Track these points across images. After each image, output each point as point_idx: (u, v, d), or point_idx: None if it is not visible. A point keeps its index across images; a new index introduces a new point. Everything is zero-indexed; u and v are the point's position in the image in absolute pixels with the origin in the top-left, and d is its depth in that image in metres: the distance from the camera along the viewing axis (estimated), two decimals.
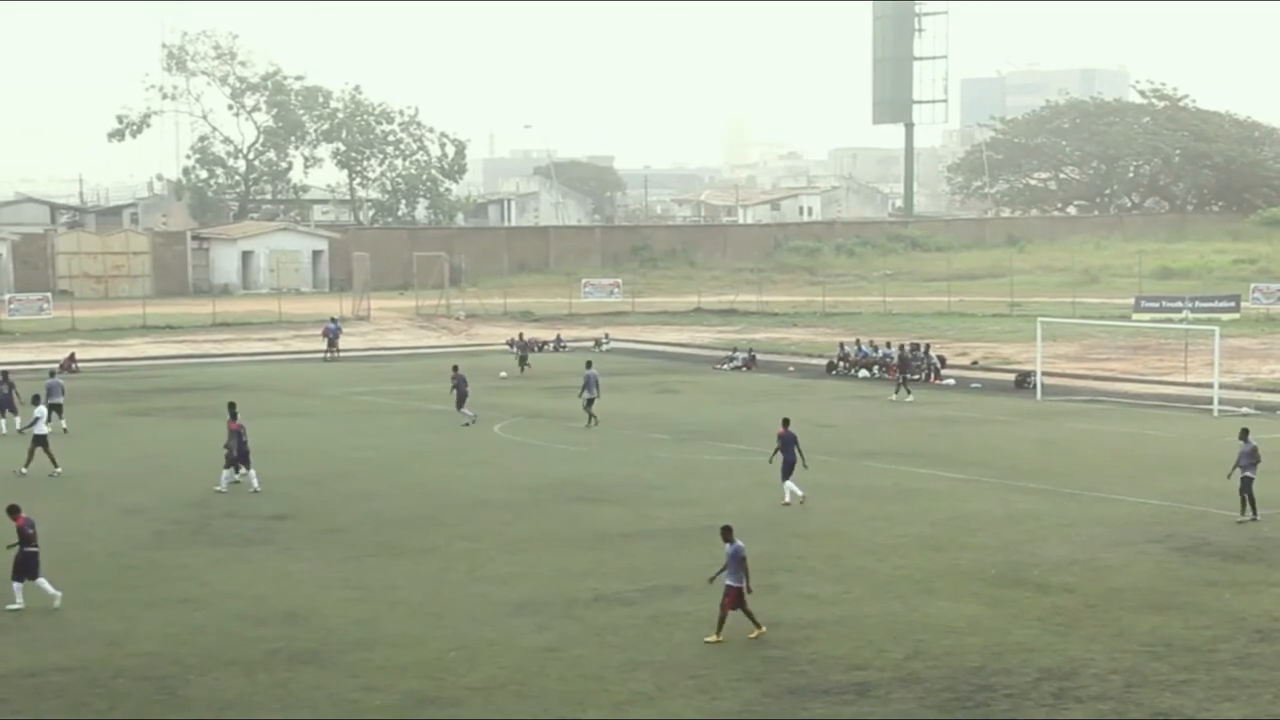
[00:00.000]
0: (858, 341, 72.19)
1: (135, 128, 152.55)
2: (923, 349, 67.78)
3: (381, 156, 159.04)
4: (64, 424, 49.82)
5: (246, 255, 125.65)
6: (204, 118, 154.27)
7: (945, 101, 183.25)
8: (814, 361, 73.76)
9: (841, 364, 70.42)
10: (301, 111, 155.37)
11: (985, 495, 38.99)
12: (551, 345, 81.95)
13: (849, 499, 38.36)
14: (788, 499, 37.80)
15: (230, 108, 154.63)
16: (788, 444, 38.03)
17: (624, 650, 25.12)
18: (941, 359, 68.27)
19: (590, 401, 52.23)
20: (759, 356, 74.47)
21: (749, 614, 25.84)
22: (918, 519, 35.90)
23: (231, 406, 40.84)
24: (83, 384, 64.67)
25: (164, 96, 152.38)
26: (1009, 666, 24.15)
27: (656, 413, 55.93)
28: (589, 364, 54.83)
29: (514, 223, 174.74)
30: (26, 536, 28.16)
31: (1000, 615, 27.23)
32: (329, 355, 77.79)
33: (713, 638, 25.60)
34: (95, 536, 34.19)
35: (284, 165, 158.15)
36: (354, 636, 25.98)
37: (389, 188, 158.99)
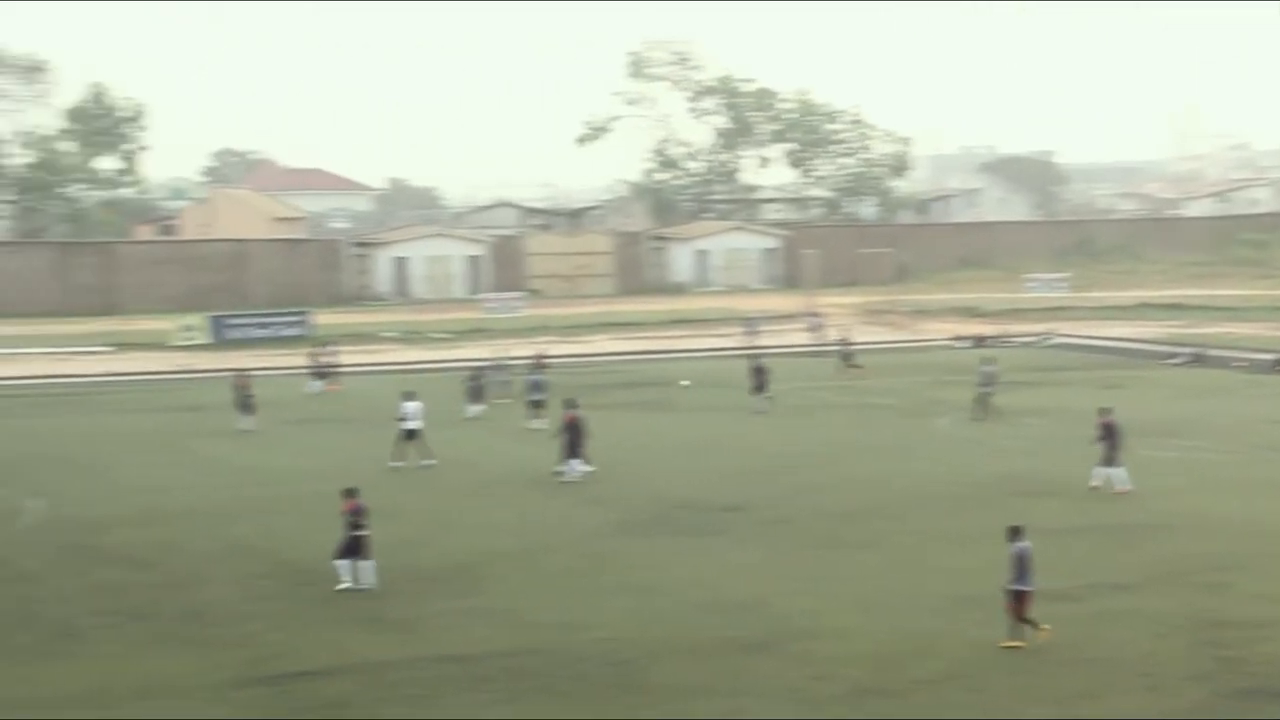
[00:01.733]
0: None
1: (601, 133, 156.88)
2: None
3: (829, 155, 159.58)
4: (544, 422, 49.80)
5: (701, 254, 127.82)
6: (663, 122, 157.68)
7: None
8: (1263, 357, 70.98)
9: None
10: (753, 114, 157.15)
11: None
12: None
13: None
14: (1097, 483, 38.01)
15: (688, 112, 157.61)
16: (1111, 432, 37.80)
17: (1069, 646, 24.86)
18: None
19: (986, 396, 51.99)
20: (1206, 352, 72.04)
21: (1026, 620, 25.06)
22: None
23: (569, 402, 42.73)
24: (549, 379, 67.09)
25: (628, 103, 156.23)
26: None
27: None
28: (986, 360, 54.65)
29: (958, 219, 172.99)
30: (354, 522, 29.44)
31: None
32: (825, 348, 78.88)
33: (1014, 643, 24.91)
34: (562, 525, 35.51)
35: (736, 166, 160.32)
36: (802, 626, 26.41)
37: (837, 186, 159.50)
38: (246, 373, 55.30)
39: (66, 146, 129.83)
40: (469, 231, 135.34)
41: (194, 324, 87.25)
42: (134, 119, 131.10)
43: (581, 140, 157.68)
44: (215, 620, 27.23)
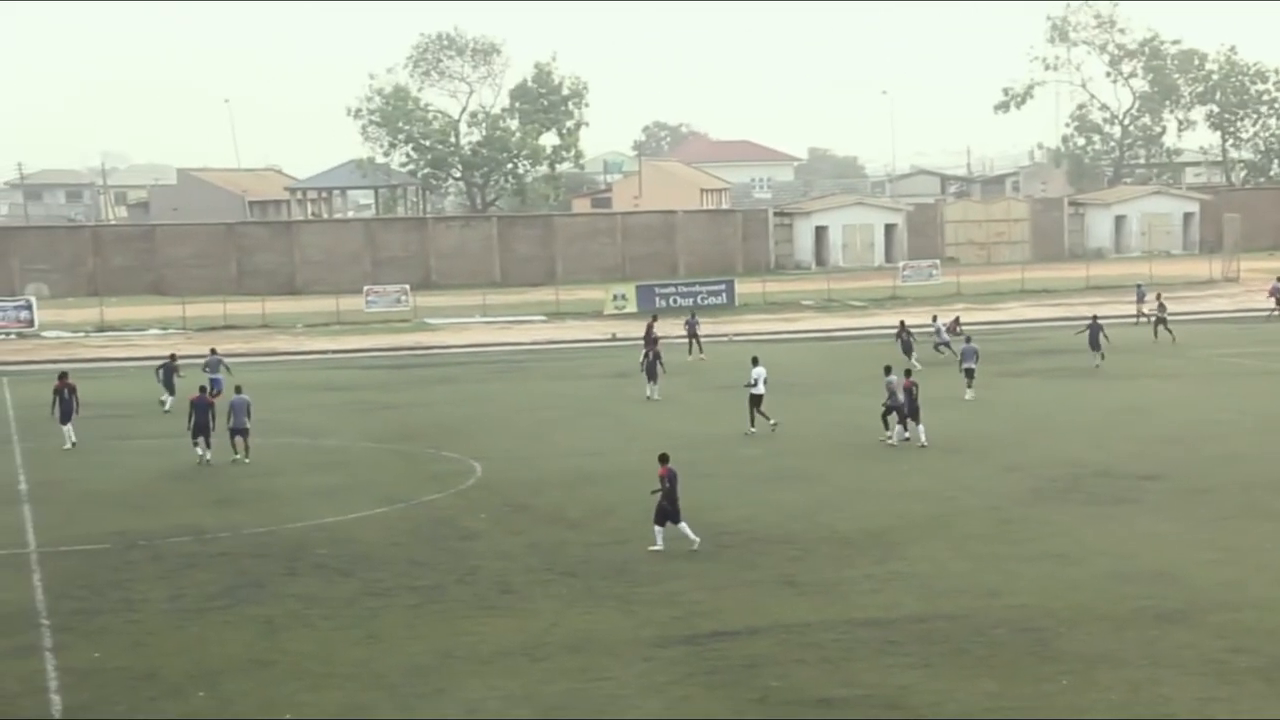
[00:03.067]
0: None
1: (1019, 99, 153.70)
2: None
3: (1255, 116, 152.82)
4: (970, 393, 49.95)
5: (1119, 219, 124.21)
6: (1083, 86, 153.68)
7: None
8: None
9: None
10: (1177, 75, 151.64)
11: None
12: None
13: None
14: None
15: (1108, 75, 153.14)
16: None
17: None
18: None
19: None
20: None
21: None
22: None
23: (887, 369, 42.18)
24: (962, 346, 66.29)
25: (1046, 68, 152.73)
26: None
27: None
28: None
29: None
30: (666, 488, 29.62)
31: None
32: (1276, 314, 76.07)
33: None
34: (977, 492, 35.08)
35: (1158, 130, 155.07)
36: (1220, 598, 25.45)
37: (1262, 148, 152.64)
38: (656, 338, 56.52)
39: (511, 125, 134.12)
40: (887, 200, 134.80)
41: (624, 293, 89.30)
42: (575, 96, 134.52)
43: (1000, 107, 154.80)
44: (640, 579, 27.84)
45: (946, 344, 60.90)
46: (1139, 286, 79.21)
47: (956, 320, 72.62)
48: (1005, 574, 27.56)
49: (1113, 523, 31.54)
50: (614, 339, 59.46)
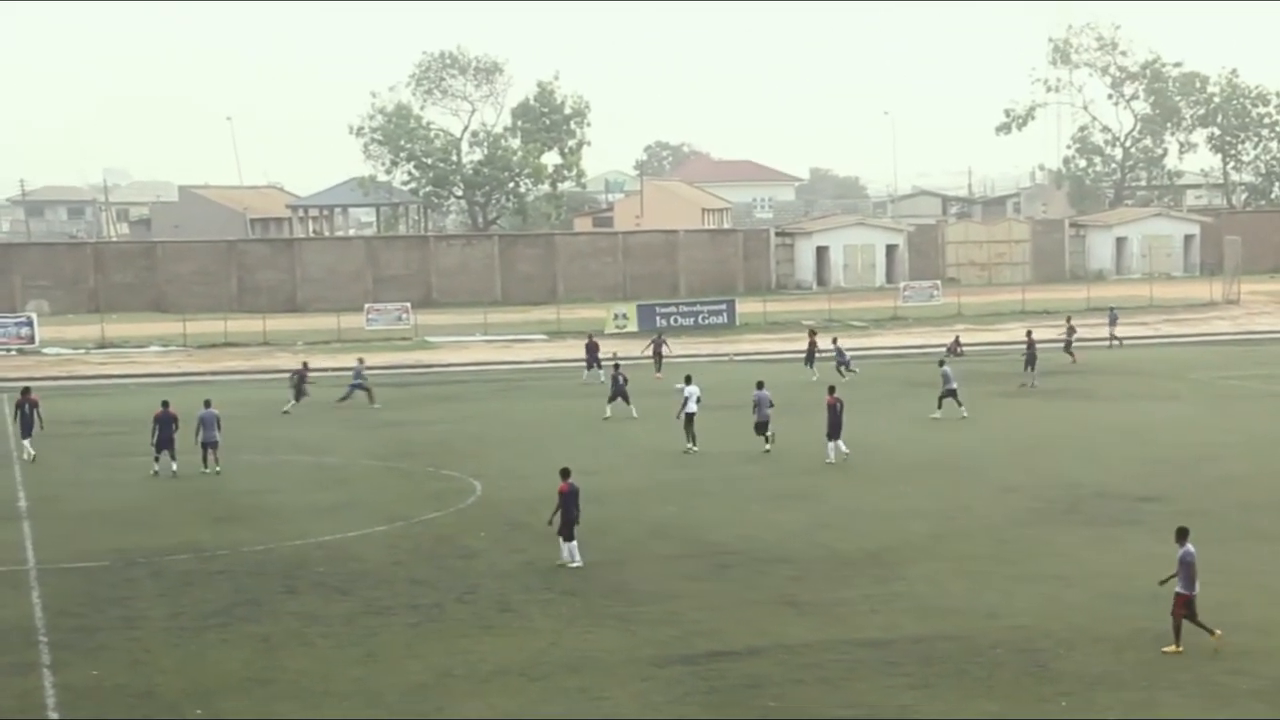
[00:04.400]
0: None
1: (1021, 121, 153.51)
2: None
3: (1257, 139, 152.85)
4: (963, 411, 49.99)
5: (1120, 241, 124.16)
6: (1084, 108, 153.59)
7: None
8: None
9: None
10: (1178, 98, 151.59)
11: None
12: None
13: None
14: None
15: (1109, 97, 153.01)
16: None
17: None
18: None
19: None
20: None
21: (1199, 623, 23.79)
22: None
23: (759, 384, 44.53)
24: (962, 366, 66.30)
25: (1048, 89, 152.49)
26: None
27: None
28: None
29: None
30: (564, 504, 30.52)
31: None
32: None
33: (1171, 648, 23.77)
34: (975, 512, 35.08)
35: (1159, 152, 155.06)
36: (1218, 620, 25.09)
37: (1263, 171, 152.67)
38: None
39: (513, 144, 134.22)
40: (889, 220, 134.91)
41: (625, 312, 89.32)
42: (577, 115, 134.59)
43: (1001, 128, 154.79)
44: (640, 599, 27.85)
45: (846, 364, 61.68)
46: (1111, 310, 79.28)
47: (956, 341, 72.64)
48: (1004, 595, 27.57)
49: (1111, 544, 31.55)
50: (615, 358, 59.51)
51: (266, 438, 49.37)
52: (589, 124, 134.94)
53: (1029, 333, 62.19)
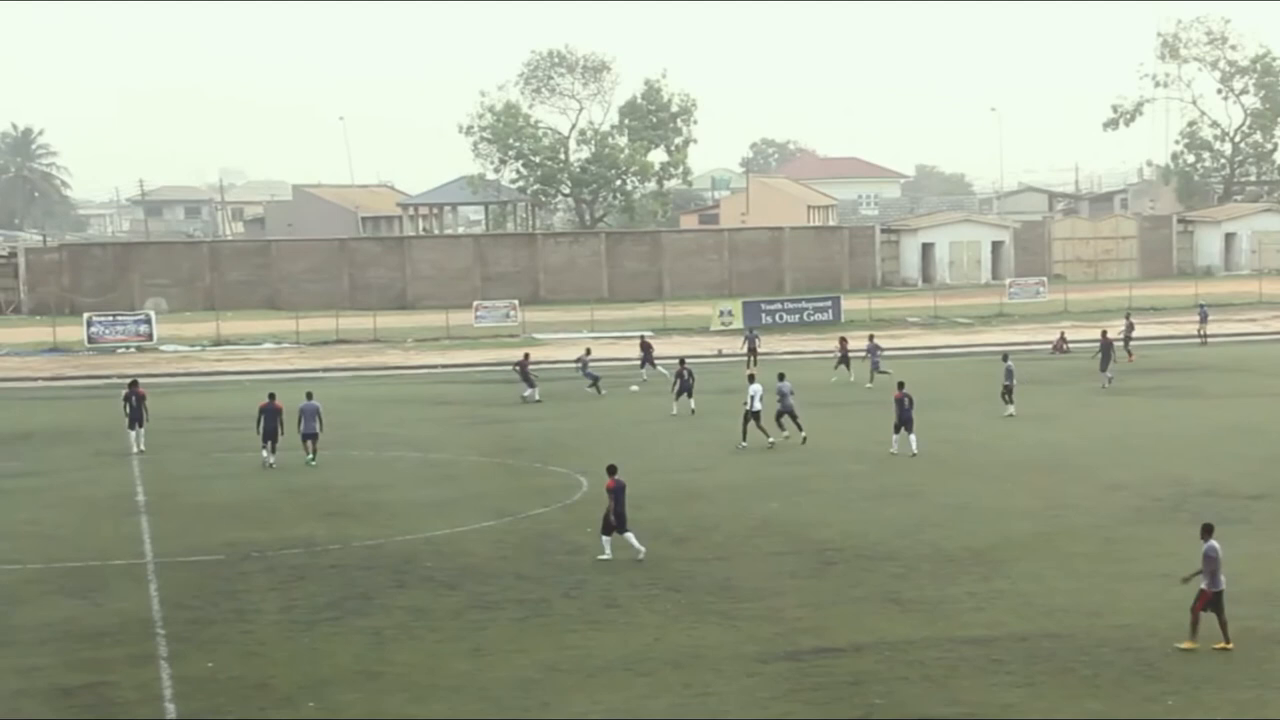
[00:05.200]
0: None
1: (1129, 116, 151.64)
2: None
3: None
4: (1011, 409, 49.49)
5: (1229, 237, 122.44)
6: (1193, 103, 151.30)
7: None
8: None
9: None
10: None
11: None
12: None
13: None
14: None
15: (1219, 92, 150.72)
16: None
17: None
18: None
19: None
20: None
21: (1221, 622, 23.58)
22: None
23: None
24: (1070, 364, 65.75)
25: (1156, 84, 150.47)
26: None
27: None
28: None
29: None
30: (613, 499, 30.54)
31: None
32: None
33: (1186, 644, 23.53)
34: (1081, 510, 34.73)
35: (1269, 147, 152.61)
36: None
37: None
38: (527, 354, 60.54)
39: (620, 142, 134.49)
40: (994, 217, 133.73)
41: (730, 309, 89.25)
42: (684, 113, 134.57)
43: (1109, 124, 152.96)
44: (744, 595, 27.83)
45: (877, 366, 59.99)
46: (1201, 306, 78.19)
47: (1062, 337, 72.02)
48: (1109, 593, 27.29)
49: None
50: (720, 354, 59.39)
51: (376, 434, 49.82)
52: (695, 122, 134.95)
53: (1104, 332, 61.18)
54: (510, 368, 61.37)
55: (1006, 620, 25.72)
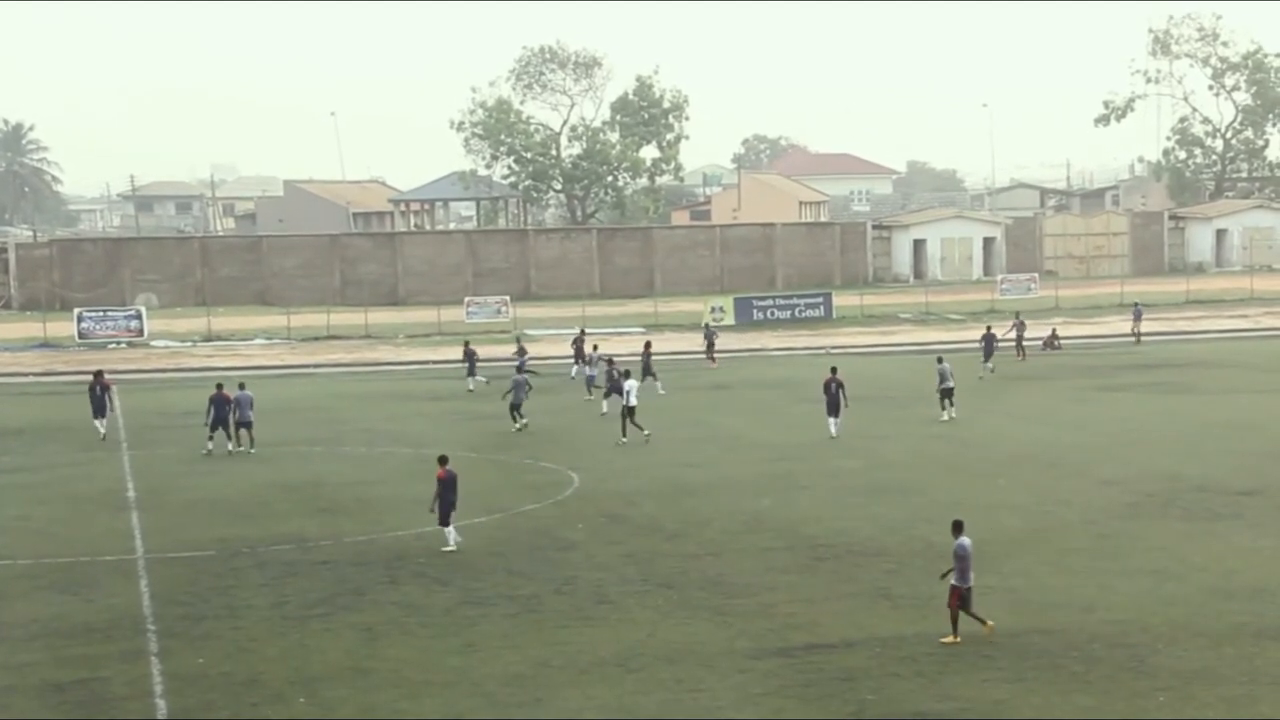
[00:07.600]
0: None
1: (1120, 113, 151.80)
2: None
3: None
4: (951, 413, 49.00)
5: (1220, 233, 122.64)
6: (1185, 99, 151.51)
7: None
8: None
9: None
10: None
11: None
12: None
13: None
14: None
15: (1210, 88, 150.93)
16: None
17: None
18: None
19: None
20: None
21: (974, 615, 24.12)
22: None
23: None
24: (1062, 360, 65.82)
25: (1148, 81, 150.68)
26: None
27: None
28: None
29: None
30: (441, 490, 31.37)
31: None
32: None
33: (949, 639, 23.98)
34: (1073, 506, 34.75)
35: (1260, 143, 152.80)
36: None
37: None
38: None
39: (612, 138, 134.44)
40: (986, 213, 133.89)
41: (722, 305, 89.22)
42: (675, 109, 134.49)
43: (1100, 120, 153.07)
44: (736, 591, 27.82)
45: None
46: (1136, 305, 77.89)
47: (1054, 334, 72.05)
48: (1101, 589, 27.29)
49: (1211, 538, 31.14)
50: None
51: (368, 430, 49.78)
52: (687, 118, 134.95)
53: (989, 327, 63.12)
54: (461, 360, 62.26)
55: (998, 616, 25.62)
